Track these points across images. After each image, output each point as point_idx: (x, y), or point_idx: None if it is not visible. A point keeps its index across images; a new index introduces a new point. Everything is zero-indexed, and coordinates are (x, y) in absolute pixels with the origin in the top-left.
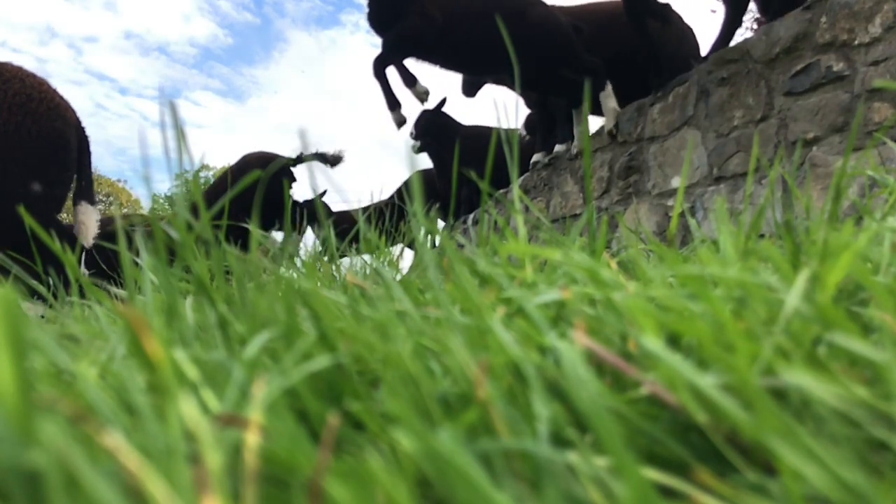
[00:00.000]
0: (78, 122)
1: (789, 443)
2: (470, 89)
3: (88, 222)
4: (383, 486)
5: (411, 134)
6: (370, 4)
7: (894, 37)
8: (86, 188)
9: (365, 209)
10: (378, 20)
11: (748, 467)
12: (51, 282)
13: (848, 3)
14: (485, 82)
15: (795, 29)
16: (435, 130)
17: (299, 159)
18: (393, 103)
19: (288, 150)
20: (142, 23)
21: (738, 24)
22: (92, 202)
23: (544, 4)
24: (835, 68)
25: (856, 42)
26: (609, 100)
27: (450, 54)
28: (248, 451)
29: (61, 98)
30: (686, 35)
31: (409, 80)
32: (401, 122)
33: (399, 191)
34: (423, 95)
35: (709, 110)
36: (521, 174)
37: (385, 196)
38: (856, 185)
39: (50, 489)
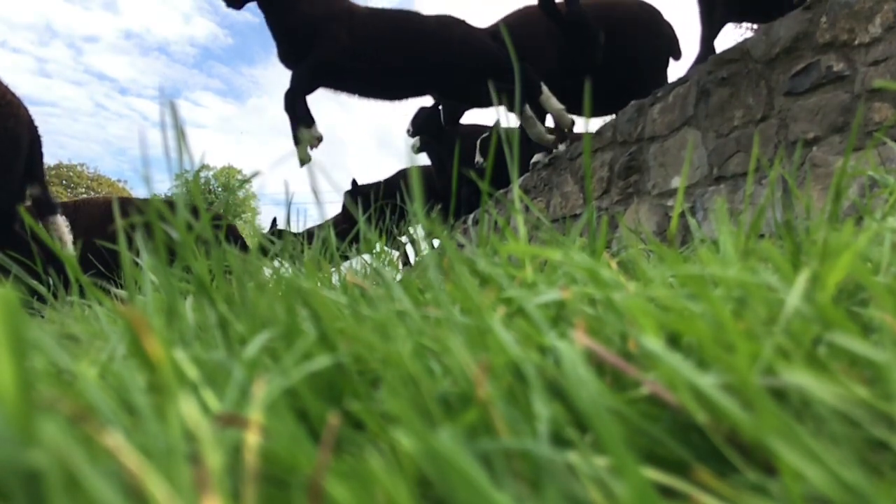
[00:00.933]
0: (30, 120)
1: (789, 443)
2: (450, 120)
3: (64, 237)
4: (383, 486)
5: (408, 131)
6: (278, 42)
7: (894, 37)
8: (45, 200)
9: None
10: (288, 56)
11: (748, 467)
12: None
13: (848, 3)
14: (464, 110)
15: (795, 29)
16: (432, 128)
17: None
18: (299, 139)
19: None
20: (142, 23)
21: (715, 37)
22: (56, 212)
23: (463, 22)
24: (835, 68)
25: (856, 42)
26: (550, 101)
27: (366, 81)
28: (248, 451)
29: (13, 95)
30: (663, 31)
31: (307, 120)
32: (305, 159)
33: (392, 183)
34: (314, 141)
35: (709, 110)
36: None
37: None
38: (856, 185)
39: (50, 489)
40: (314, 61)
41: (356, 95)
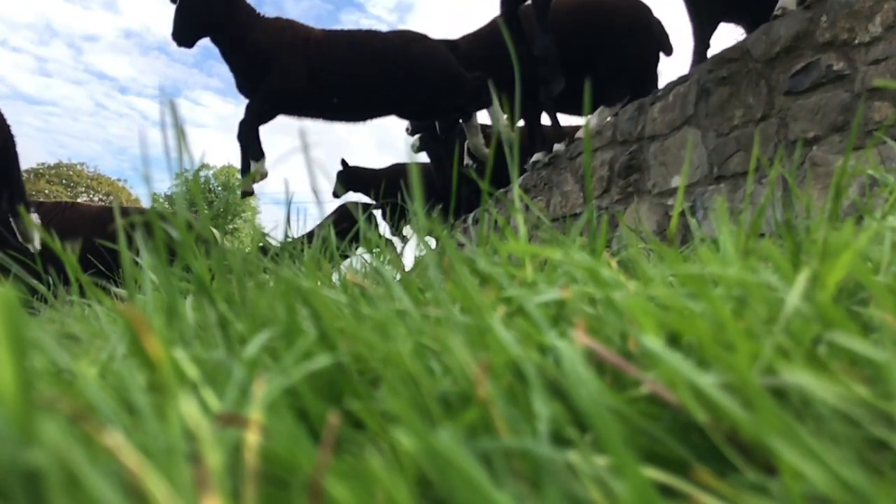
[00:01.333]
0: (2, 119)
1: (789, 442)
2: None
3: (34, 237)
4: (383, 486)
5: (407, 130)
6: (234, 73)
7: (894, 36)
8: (18, 199)
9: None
10: (244, 86)
11: (748, 467)
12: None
13: (848, 3)
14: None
15: (795, 28)
16: (431, 127)
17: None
18: (247, 171)
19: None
20: (142, 22)
21: (707, 36)
22: (29, 211)
23: (425, 38)
24: (835, 67)
25: (856, 41)
26: (498, 114)
27: (326, 106)
28: (248, 451)
29: None
30: (652, 27)
31: (256, 153)
32: (248, 192)
33: (391, 174)
34: (257, 176)
35: (709, 109)
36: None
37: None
38: (856, 185)
39: (50, 488)
40: (266, 92)
41: (319, 119)
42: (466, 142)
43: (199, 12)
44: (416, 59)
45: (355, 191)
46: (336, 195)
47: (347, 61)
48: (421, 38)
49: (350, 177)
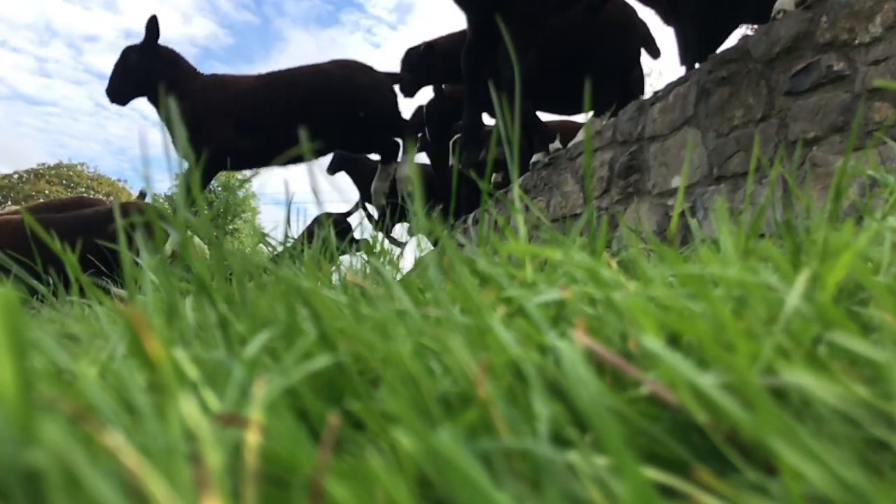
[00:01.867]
0: None
1: (789, 442)
2: (443, 122)
3: None
4: (383, 486)
5: None
6: (171, 138)
7: (895, 36)
8: None
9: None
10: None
11: (748, 467)
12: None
13: (848, 3)
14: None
15: (796, 28)
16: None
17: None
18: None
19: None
20: (142, 22)
21: (694, 42)
22: None
23: (371, 69)
24: (835, 68)
25: (856, 42)
26: (404, 166)
27: (269, 152)
28: (248, 451)
29: None
30: (636, 28)
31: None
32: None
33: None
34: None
35: (709, 110)
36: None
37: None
38: (856, 185)
39: (50, 488)
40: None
41: (265, 168)
42: (451, 141)
43: (138, 72)
44: (363, 90)
45: (347, 173)
46: (329, 172)
47: (286, 102)
48: (367, 69)
49: (346, 157)
